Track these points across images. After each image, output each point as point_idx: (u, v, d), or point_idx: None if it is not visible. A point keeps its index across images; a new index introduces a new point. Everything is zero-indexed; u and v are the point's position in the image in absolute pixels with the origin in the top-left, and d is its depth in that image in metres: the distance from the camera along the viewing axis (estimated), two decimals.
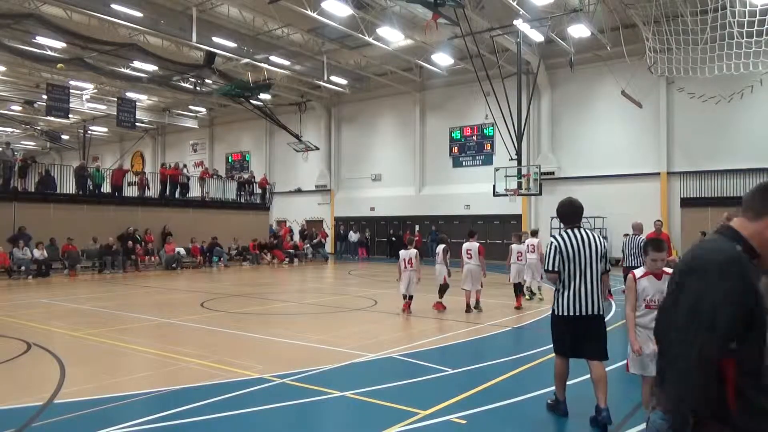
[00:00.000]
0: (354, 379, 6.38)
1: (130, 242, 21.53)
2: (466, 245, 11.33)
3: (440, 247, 11.81)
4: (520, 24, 19.86)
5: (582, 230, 5.08)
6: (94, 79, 28.15)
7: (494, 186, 22.18)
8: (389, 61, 27.49)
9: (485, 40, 22.19)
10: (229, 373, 6.49)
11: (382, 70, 29.21)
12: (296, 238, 30.13)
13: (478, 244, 11.25)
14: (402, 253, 11.10)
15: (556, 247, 5.01)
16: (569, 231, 5.08)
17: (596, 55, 23.82)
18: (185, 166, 28.86)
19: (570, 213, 5.17)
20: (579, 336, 4.95)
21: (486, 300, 12.08)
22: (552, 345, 5.21)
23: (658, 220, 12.41)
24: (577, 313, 4.90)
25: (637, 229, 11.38)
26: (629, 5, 18.42)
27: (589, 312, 4.90)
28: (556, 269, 4.99)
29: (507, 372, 6.62)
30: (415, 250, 11.19)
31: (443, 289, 11.40)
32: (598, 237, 5.11)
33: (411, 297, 11.03)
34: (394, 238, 29.87)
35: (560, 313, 4.99)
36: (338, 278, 20.88)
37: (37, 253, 18.89)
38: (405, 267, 10.93)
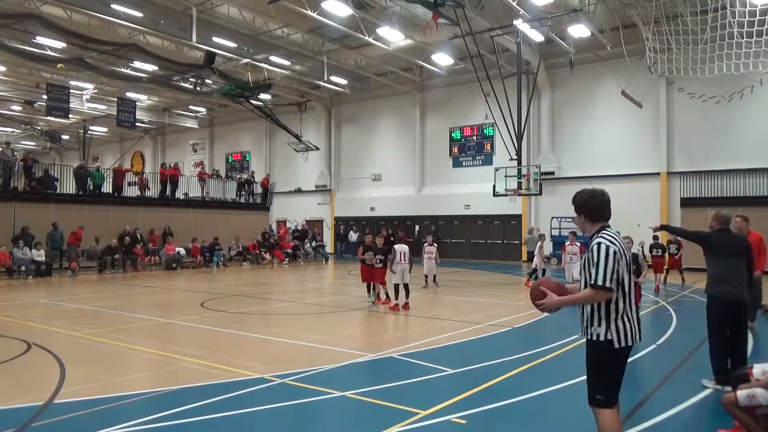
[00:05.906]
0: (354, 379, 6.38)
1: (124, 238, 21.40)
2: None
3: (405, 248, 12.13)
4: (520, 24, 19.87)
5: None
6: (94, 79, 28.15)
7: (494, 186, 22.15)
8: (389, 61, 27.48)
9: (485, 40, 22.18)
10: (229, 373, 6.49)
11: (382, 70, 29.20)
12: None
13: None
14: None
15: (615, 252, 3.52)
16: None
17: (596, 55, 23.80)
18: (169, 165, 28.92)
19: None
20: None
21: (485, 300, 12.39)
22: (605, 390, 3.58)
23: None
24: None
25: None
26: (629, 5, 18.41)
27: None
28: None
29: (507, 372, 6.62)
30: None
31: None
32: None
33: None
34: (392, 238, 29.73)
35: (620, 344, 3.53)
36: (338, 278, 20.87)
37: (36, 254, 18.85)
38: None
